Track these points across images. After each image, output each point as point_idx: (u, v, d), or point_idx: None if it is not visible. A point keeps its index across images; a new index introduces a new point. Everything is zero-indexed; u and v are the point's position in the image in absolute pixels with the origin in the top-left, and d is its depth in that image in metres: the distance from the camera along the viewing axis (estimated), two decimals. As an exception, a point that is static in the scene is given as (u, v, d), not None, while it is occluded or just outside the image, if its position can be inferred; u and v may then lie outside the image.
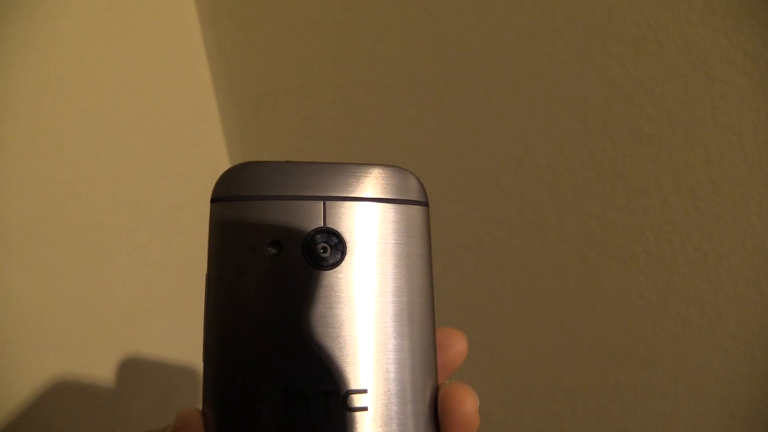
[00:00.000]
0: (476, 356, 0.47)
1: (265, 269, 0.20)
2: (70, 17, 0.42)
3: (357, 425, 0.19)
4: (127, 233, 0.46)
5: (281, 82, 0.53)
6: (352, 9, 0.48)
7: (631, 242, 0.40)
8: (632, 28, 0.37)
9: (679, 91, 0.37)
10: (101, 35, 0.44)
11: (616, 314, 0.42)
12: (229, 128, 0.57)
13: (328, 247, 0.20)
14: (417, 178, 0.22)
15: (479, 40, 0.43)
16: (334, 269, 0.20)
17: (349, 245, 0.21)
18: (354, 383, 0.20)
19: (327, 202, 0.21)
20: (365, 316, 0.20)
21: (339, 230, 0.21)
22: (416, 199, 0.22)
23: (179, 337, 0.49)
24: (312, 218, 0.20)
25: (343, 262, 0.20)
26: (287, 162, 0.21)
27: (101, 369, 0.43)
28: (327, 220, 0.21)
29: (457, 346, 0.23)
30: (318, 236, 0.20)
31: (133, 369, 0.45)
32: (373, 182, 0.21)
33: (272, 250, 0.20)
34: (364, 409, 0.20)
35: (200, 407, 0.20)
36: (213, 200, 0.21)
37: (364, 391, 0.20)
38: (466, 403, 0.20)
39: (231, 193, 0.21)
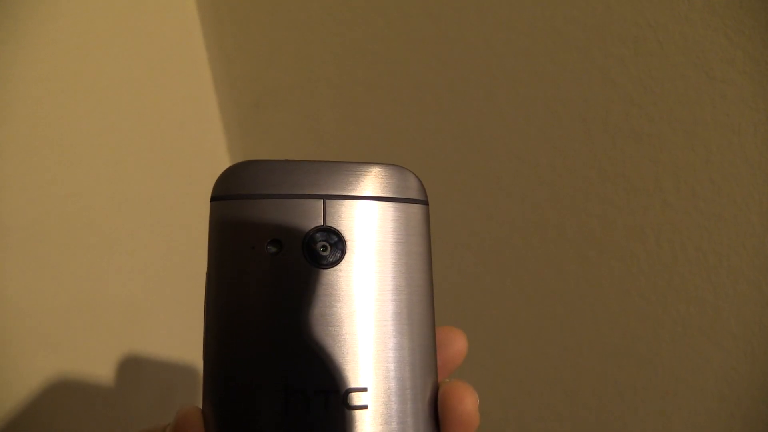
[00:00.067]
0: (476, 355, 0.47)
1: (265, 268, 0.20)
2: (70, 16, 0.42)
3: (357, 423, 0.19)
4: (127, 232, 0.46)
5: (282, 80, 0.53)
6: (353, 8, 0.48)
7: (632, 242, 0.40)
8: (632, 28, 0.37)
9: (679, 90, 0.37)
10: (102, 33, 0.44)
11: (616, 313, 0.42)
12: (229, 127, 0.57)
13: (328, 246, 0.20)
14: (417, 176, 0.22)
15: (480, 40, 0.43)
16: (334, 268, 0.20)
17: (348, 244, 0.21)
18: (354, 381, 0.20)
19: (327, 201, 0.21)
20: (365, 314, 0.20)
21: (339, 229, 0.21)
22: (416, 198, 0.22)
23: (179, 335, 0.49)
24: (312, 217, 0.20)
25: (343, 260, 0.20)
26: (287, 160, 0.21)
27: (101, 368, 0.43)
28: (327, 218, 0.21)
29: (457, 344, 0.23)
30: (318, 235, 0.20)
31: (133, 368, 0.45)
32: (372, 181, 0.21)
33: (272, 249, 0.20)
34: (364, 407, 0.20)
35: (200, 406, 0.20)
36: (213, 199, 0.21)
37: (364, 390, 0.20)
38: (466, 401, 0.20)
39: (231, 191, 0.21)
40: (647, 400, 0.42)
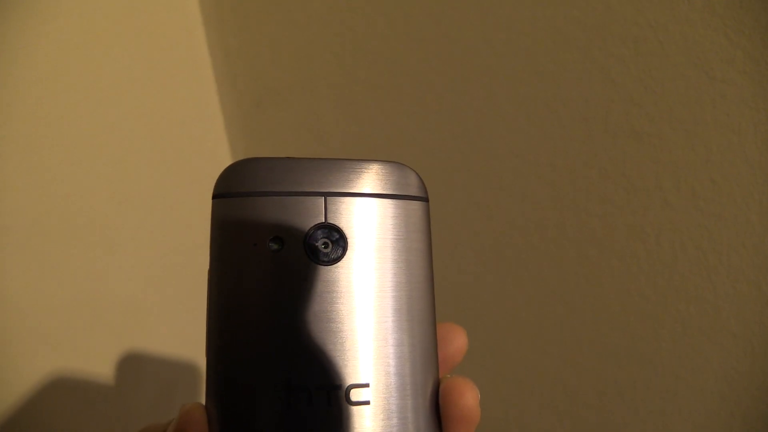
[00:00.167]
0: (476, 354, 0.47)
1: (266, 265, 0.20)
2: (71, 15, 0.42)
3: (359, 419, 0.20)
4: (128, 231, 0.46)
5: (283, 79, 0.53)
6: (353, 8, 0.48)
7: (632, 241, 0.40)
8: (633, 27, 0.38)
9: (679, 90, 0.37)
10: (103, 33, 0.44)
11: (616, 312, 0.42)
12: (230, 126, 0.57)
13: (330, 243, 0.20)
14: (417, 173, 0.22)
15: (481, 39, 0.43)
16: (336, 264, 0.20)
17: (350, 240, 0.21)
18: (356, 378, 0.20)
19: (328, 198, 0.21)
20: (366, 311, 0.20)
21: (340, 226, 0.21)
22: (416, 195, 0.22)
23: (180, 334, 0.49)
24: (313, 214, 0.21)
25: (344, 257, 0.20)
26: (288, 158, 0.21)
27: (102, 366, 0.43)
28: (328, 215, 0.21)
29: (457, 341, 0.23)
30: (319, 232, 0.20)
31: (133, 366, 0.45)
32: (373, 178, 0.21)
33: (274, 246, 0.20)
34: (366, 403, 0.20)
35: (203, 402, 0.20)
36: (215, 196, 0.21)
37: (366, 386, 0.20)
38: (467, 396, 0.20)
39: (232, 189, 0.21)
40: (647, 399, 0.42)
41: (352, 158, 0.22)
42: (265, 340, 0.20)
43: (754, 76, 0.34)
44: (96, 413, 0.42)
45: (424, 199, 0.22)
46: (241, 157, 0.48)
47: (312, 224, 0.20)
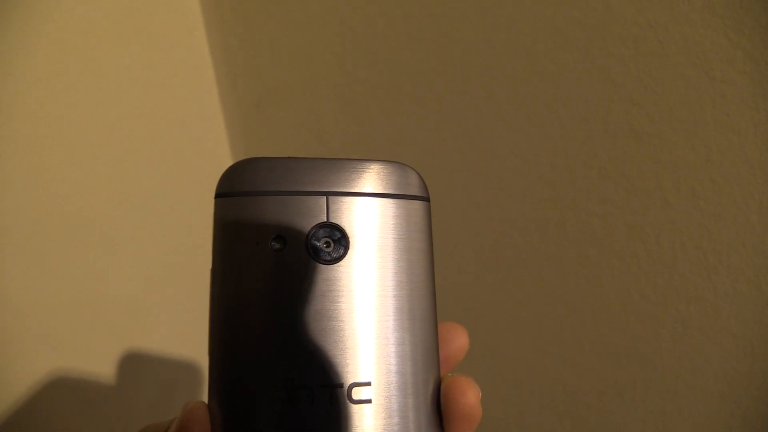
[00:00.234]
0: (476, 354, 0.48)
1: (269, 264, 0.20)
2: (73, 15, 0.42)
3: (361, 417, 0.20)
4: (128, 230, 0.46)
5: (283, 79, 0.53)
6: (354, 7, 0.48)
7: (632, 241, 0.40)
8: (633, 27, 0.38)
9: (679, 90, 0.37)
10: (103, 32, 0.44)
11: (616, 312, 0.42)
12: (231, 126, 0.57)
13: (331, 242, 0.21)
14: (418, 173, 0.22)
15: (481, 39, 0.43)
16: (337, 263, 0.20)
17: (351, 240, 0.21)
18: (358, 376, 0.20)
19: (330, 198, 0.21)
20: (368, 309, 0.20)
21: (342, 225, 0.21)
22: (417, 195, 0.22)
23: (180, 334, 0.49)
24: (315, 213, 0.21)
25: (346, 256, 0.21)
26: (290, 158, 0.21)
27: (102, 366, 0.43)
28: (330, 215, 0.21)
29: (458, 340, 0.23)
30: (321, 231, 0.21)
31: (133, 366, 0.45)
32: (374, 178, 0.21)
33: (276, 245, 0.20)
34: (368, 401, 0.20)
35: (205, 401, 0.20)
36: (217, 196, 0.21)
37: (368, 384, 0.20)
38: (469, 394, 0.21)
39: (235, 188, 0.21)
40: (647, 399, 0.42)
41: (353, 158, 0.22)
42: (267, 338, 0.20)
43: (754, 76, 0.34)
44: (96, 413, 0.42)
45: (426, 198, 0.22)
46: (241, 157, 0.48)
47: (314, 223, 0.21)
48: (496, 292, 0.47)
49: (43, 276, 0.39)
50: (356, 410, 0.20)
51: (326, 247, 0.21)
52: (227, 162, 0.55)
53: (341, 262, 0.21)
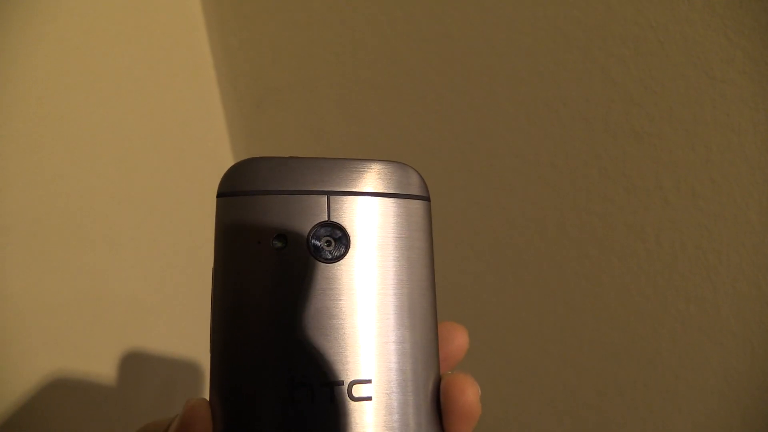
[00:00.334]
0: (476, 353, 0.48)
1: (270, 263, 0.20)
2: (73, 15, 0.42)
3: (361, 415, 0.20)
4: (130, 230, 0.46)
5: (284, 79, 0.53)
6: (355, 7, 0.48)
7: (632, 240, 0.40)
8: (633, 27, 0.38)
9: (679, 90, 0.37)
10: (105, 32, 0.45)
11: (616, 311, 0.42)
12: (232, 125, 0.57)
13: (332, 241, 0.21)
14: (418, 173, 0.23)
15: (482, 39, 0.43)
16: (338, 262, 0.21)
17: (352, 239, 0.21)
18: (358, 373, 0.20)
19: (331, 197, 0.21)
20: (368, 308, 0.21)
21: (343, 224, 0.21)
22: (418, 194, 0.22)
23: (181, 333, 0.49)
24: (316, 212, 0.21)
25: (347, 255, 0.21)
26: (291, 158, 0.21)
27: (103, 365, 0.43)
28: (331, 214, 0.21)
29: (458, 339, 0.24)
30: (322, 230, 0.21)
31: (134, 365, 0.45)
32: (376, 177, 0.22)
33: (277, 244, 0.20)
34: (368, 398, 0.20)
35: (207, 398, 0.20)
36: (219, 195, 0.21)
37: (368, 381, 0.20)
38: (468, 392, 0.21)
39: (237, 188, 0.21)
40: (647, 398, 0.42)
41: (354, 158, 0.22)
42: (269, 336, 0.20)
43: (754, 76, 0.35)
44: (96, 413, 0.42)
45: (426, 198, 0.23)
46: (242, 156, 0.48)
47: (315, 222, 0.21)
48: (496, 291, 0.47)
49: (43, 275, 0.39)
50: (357, 407, 0.20)
51: (327, 245, 0.21)
52: (228, 162, 0.55)
53: (342, 261, 0.21)
